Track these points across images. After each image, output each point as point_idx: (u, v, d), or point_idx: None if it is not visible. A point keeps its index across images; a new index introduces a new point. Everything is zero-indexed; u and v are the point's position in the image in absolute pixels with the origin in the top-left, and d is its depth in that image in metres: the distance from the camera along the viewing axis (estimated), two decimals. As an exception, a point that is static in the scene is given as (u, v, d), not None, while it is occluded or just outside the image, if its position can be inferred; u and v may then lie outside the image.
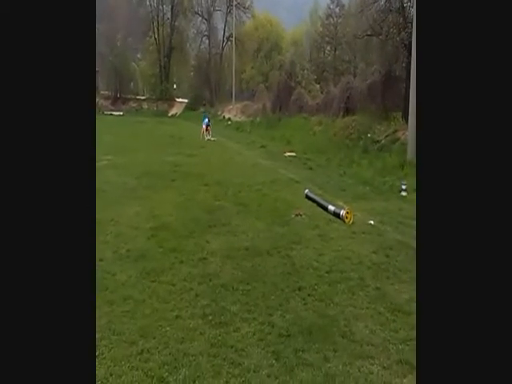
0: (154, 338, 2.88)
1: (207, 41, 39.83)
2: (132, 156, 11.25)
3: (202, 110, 36.05)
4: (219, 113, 31.98)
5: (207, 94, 37.96)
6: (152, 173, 8.97)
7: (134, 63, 44.16)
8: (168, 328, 3.02)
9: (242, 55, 37.23)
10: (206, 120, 17.55)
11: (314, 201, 6.61)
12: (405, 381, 2.49)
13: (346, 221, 5.61)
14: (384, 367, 2.61)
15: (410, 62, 10.58)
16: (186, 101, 39.56)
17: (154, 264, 4.15)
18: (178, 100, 40.47)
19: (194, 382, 2.47)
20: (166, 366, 2.59)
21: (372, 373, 2.56)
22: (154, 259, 4.29)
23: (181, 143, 15.26)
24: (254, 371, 2.56)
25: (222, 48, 39.28)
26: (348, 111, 15.85)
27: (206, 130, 17.09)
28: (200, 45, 41.10)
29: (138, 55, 45.76)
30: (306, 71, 25.80)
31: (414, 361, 2.65)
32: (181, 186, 7.90)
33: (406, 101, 11.08)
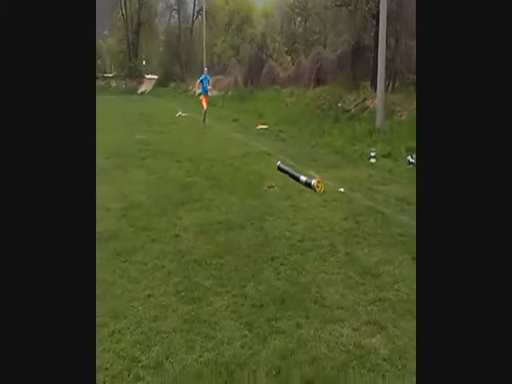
0: (126, 319, 2.85)
1: (177, 15, 38.51)
2: (101, 135, 10.75)
3: (172, 85, 35.23)
4: (190, 88, 31.22)
5: (178, 69, 36.94)
6: (122, 152, 8.74)
7: (100, 40, 42.27)
8: (140, 308, 2.99)
9: (213, 29, 36.20)
10: (205, 81, 12.35)
11: (286, 172, 6.61)
12: (373, 340, 2.56)
13: (317, 190, 5.66)
14: (354, 329, 2.68)
15: (377, 32, 10.56)
16: (155, 77, 38.46)
17: (124, 244, 4.08)
18: (147, 77, 39.26)
19: (167, 358, 2.46)
20: (138, 346, 2.57)
21: (342, 335, 2.62)
22: (125, 239, 4.22)
23: (151, 121, 14.89)
24: (228, 343, 2.57)
25: (192, 22, 38.09)
26: (319, 82, 15.77)
27: (204, 100, 12.21)
28: (169, 19, 39.75)
29: (105, 32, 43.78)
30: (276, 43, 25.40)
31: (381, 321, 2.73)
32: (152, 163, 7.75)
33: (374, 70, 11.08)
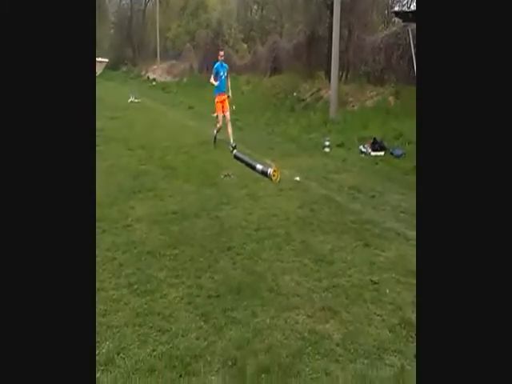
0: (73, 314, 2.71)
1: (128, -4, 36.78)
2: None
3: (124, 69, 33.88)
4: (143, 73, 30.27)
5: (129, 52, 35.57)
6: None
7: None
8: (89, 301, 2.85)
9: (167, 13, 34.92)
10: (222, 71, 7.68)
11: (242, 161, 6.57)
12: (327, 326, 2.61)
13: (274, 179, 5.69)
14: (308, 315, 2.71)
15: (331, 23, 10.71)
16: (106, 60, 36.73)
17: (72, 236, 3.87)
18: (97, 59, 37.37)
19: (119, 354, 2.36)
20: (87, 341, 2.46)
21: (297, 322, 2.65)
22: (73, 231, 4.00)
23: (102, 106, 14.15)
24: (182, 335, 2.51)
25: (145, 4, 36.57)
26: (275, 70, 15.83)
27: (221, 102, 7.61)
28: (120, 0, 37.90)
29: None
30: (233, 30, 25.04)
31: (335, 306, 2.79)
32: (103, 151, 7.38)
33: (328, 60, 11.24)
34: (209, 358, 2.33)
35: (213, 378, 2.20)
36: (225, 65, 7.91)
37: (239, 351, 2.38)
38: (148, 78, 27.87)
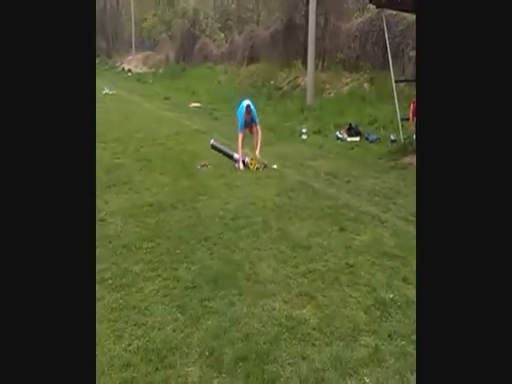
0: (45, 312, 2.64)
1: (100, -16, 35.68)
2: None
3: (97, 61, 32.99)
4: (118, 64, 29.62)
5: (103, 43, 34.64)
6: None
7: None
8: (62, 298, 2.78)
9: (142, 2, 34.12)
10: (241, 114, 6.09)
11: (219, 150, 6.51)
12: (304, 311, 2.62)
13: (251, 167, 5.67)
14: (285, 302, 2.71)
15: (308, 11, 10.65)
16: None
17: (44, 233, 3.77)
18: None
19: (93, 350, 2.32)
20: (59, 339, 2.40)
21: (274, 309, 2.64)
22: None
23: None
24: (159, 329, 2.48)
25: (119, -7, 35.62)
26: (252, 59, 15.74)
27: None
28: (91, -12, 36.76)
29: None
30: (209, 19, 24.72)
31: (311, 291, 2.80)
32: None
33: (305, 48, 11.21)
34: (186, 350, 2.31)
35: (189, 369, 2.18)
36: (254, 117, 6.18)
37: (216, 341, 2.36)
38: (123, 69, 27.28)
